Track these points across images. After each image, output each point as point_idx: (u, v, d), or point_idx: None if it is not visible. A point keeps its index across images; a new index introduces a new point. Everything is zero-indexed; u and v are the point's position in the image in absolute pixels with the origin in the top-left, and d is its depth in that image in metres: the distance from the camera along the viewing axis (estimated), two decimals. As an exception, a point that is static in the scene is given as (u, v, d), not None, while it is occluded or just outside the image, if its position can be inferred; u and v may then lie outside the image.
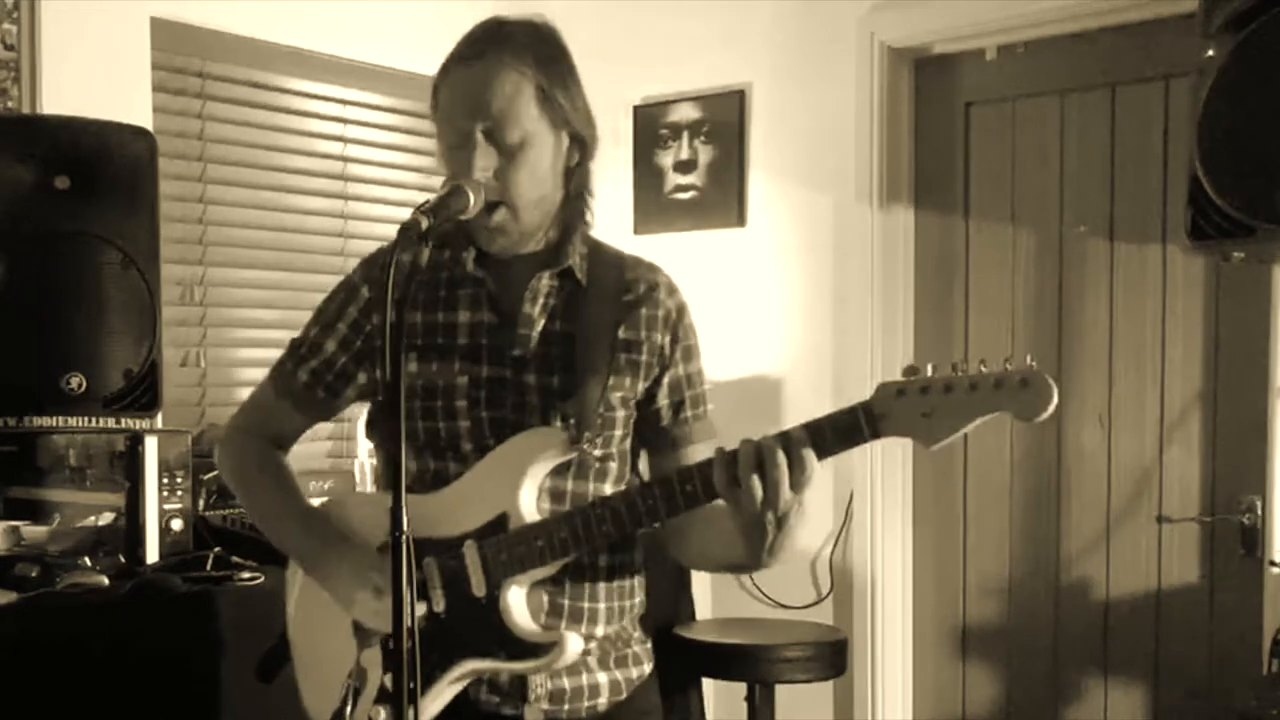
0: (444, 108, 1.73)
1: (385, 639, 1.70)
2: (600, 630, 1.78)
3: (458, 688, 1.71)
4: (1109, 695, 3.42)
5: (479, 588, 1.67)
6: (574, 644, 1.67)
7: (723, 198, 3.91)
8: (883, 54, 3.62)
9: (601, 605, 1.78)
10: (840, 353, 3.69)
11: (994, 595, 3.61)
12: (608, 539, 1.66)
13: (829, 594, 3.75)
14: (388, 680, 1.70)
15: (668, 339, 1.81)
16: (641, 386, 1.79)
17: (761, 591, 3.85)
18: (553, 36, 1.77)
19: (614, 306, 1.78)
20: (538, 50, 1.71)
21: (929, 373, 1.49)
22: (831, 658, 3.31)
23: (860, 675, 3.66)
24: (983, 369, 1.47)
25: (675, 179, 4.01)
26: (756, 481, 1.50)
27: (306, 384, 1.87)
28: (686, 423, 1.83)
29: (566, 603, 1.74)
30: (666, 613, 3.53)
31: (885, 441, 3.88)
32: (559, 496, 1.74)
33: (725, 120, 3.91)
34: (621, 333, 1.77)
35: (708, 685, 3.66)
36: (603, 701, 1.78)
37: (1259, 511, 3.10)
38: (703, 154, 3.96)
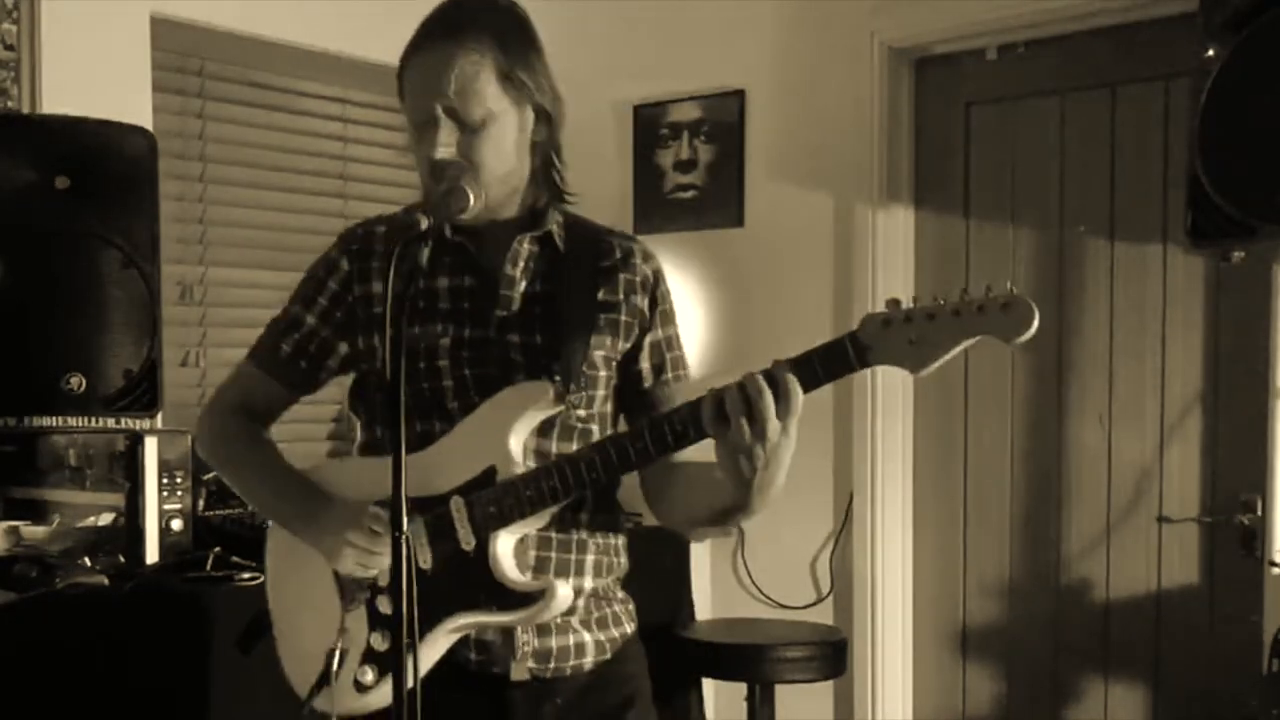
0: (408, 91, 1.75)
1: (370, 598, 1.72)
2: (588, 583, 1.80)
3: (446, 645, 1.72)
4: (1109, 695, 3.42)
5: (466, 541, 1.68)
6: (563, 591, 1.68)
7: (723, 198, 3.91)
8: (883, 54, 3.62)
9: (589, 557, 1.80)
10: (840, 353, 3.68)
11: (994, 595, 3.61)
12: (596, 485, 1.68)
13: (829, 594, 3.75)
14: (374, 640, 1.71)
15: (646, 302, 1.84)
16: (622, 347, 1.82)
17: (761, 591, 3.85)
18: (512, 13, 1.78)
19: (592, 271, 1.81)
20: (496, 28, 1.72)
21: (911, 303, 1.53)
22: (831, 658, 3.31)
23: (860, 675, 3.66)
24: (965, 296, 1.50)
25: (675, 179, 4.01)
26: (744, 417, 1.52)
27: (288, 356, 1.89)
28: (667, 384, 1.85)
29: (554, 556, 1.76)
30: (666, 613, 3.53)
31: (885, 442, 3.90)
32: (544, 458, 1.74)
33: (725, 120, 3.91)
34: (601, 295, 1.80)
35: (708, 685, 3.66)
36: (588, 661, 1.80)
37: (1259, 511, 3.10)
38: (703, 154, 3.96)
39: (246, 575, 2.46)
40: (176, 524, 2.56)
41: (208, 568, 2.49)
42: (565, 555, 1.77)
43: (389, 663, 1.68)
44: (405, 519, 1.44)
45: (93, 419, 2.58)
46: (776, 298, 3.82)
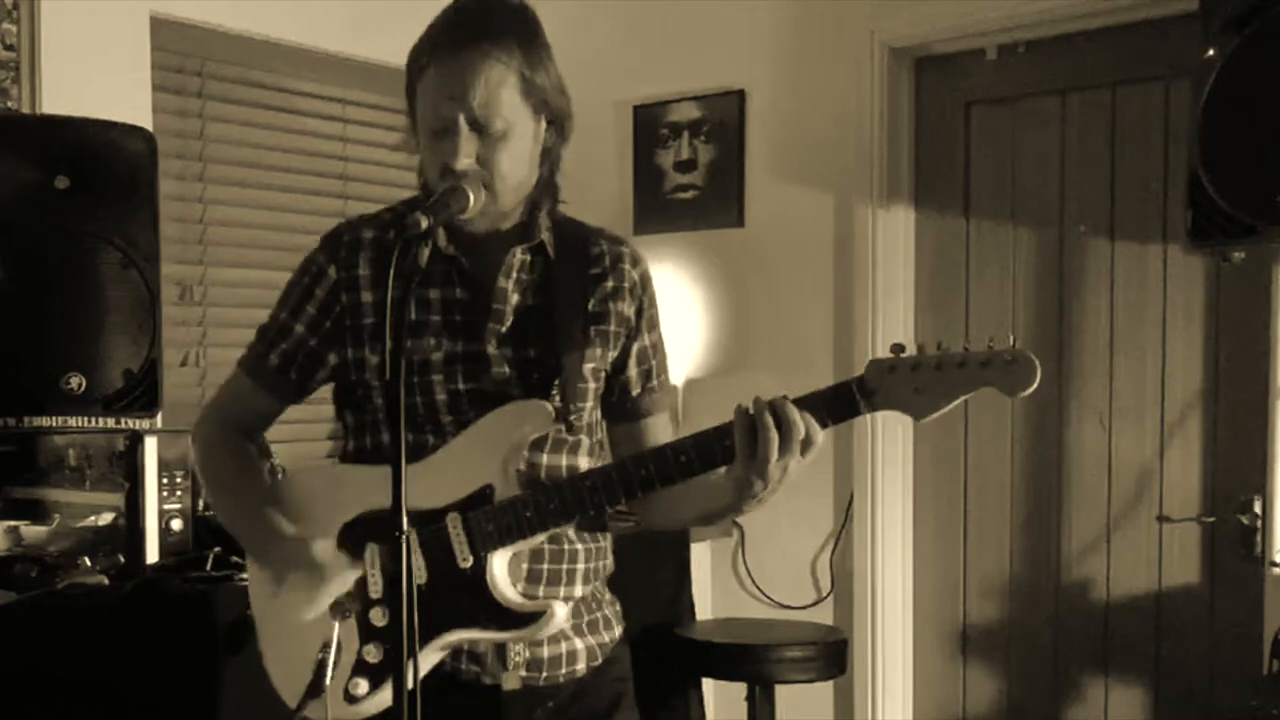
0: (425, 94, 1.71)
1: (363, 610, 1.71)
2: (578, 591, 1.80)
3: (437, 658, 1.72)
4: (1109, 695, 3.42)
5: (464, 559, 1.68)
6: (561, 612, 1.69)
7: (723, 198, 3.91)
8: (883, 54, 3.62)
9: (580, 566, 1.81)
10: (840, 353, 3.69)
11: (994, 595, 3.61)
12: (598, 509, 1.69)
13: (829, 594, 3.75)
14: (366, 652, 1.70)
15: (634, 309, 1.83)
16: (610, 356, 1.82)
17: (761, 591, 3.85)
18: (532, 16, 1.76)
19: (582, 279, 1.81)
20: (520, 33, 1.70)
21: (914, 351, 1.59)
22: (831, 658, 3.31)
23: (860, 675, 3.66)
24: (967, 348, 1.57)
25: (675, 179, 4.01)
26: (776, 439, 1.56)
27: (278, 367, 1.85)
28: (653, 391, 1.87)
29: (546, 567, 1.76)
30: (666, 613, 3.53)
31: (885, 442, 3.90)
32: (534, 469, 1.75)
33: (725, 120, 3.91)
34: (591, 305, 1.80)
35: (708, 685, 3.66)
36: (580, 668, 1.81)
37: (1259, 511, 3.10)
38: (703, 154, 3.96)
39: (246, 575, 2.45)
40: (176, 524, 2.56)
41: (208, 568, 2.49)
42: (557, 566, 1.77)
43: (382, 674, 1.68)
44: (405, 521, 1.43)
45: (92, 419, 2.58)
46: (776, 298, 3.82)
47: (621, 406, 1.85)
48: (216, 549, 2.55)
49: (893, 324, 3.63)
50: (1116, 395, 3.39)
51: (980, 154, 3.62)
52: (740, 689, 3.37)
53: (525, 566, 1.74)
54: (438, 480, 1.70)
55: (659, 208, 4.01)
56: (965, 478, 3.65)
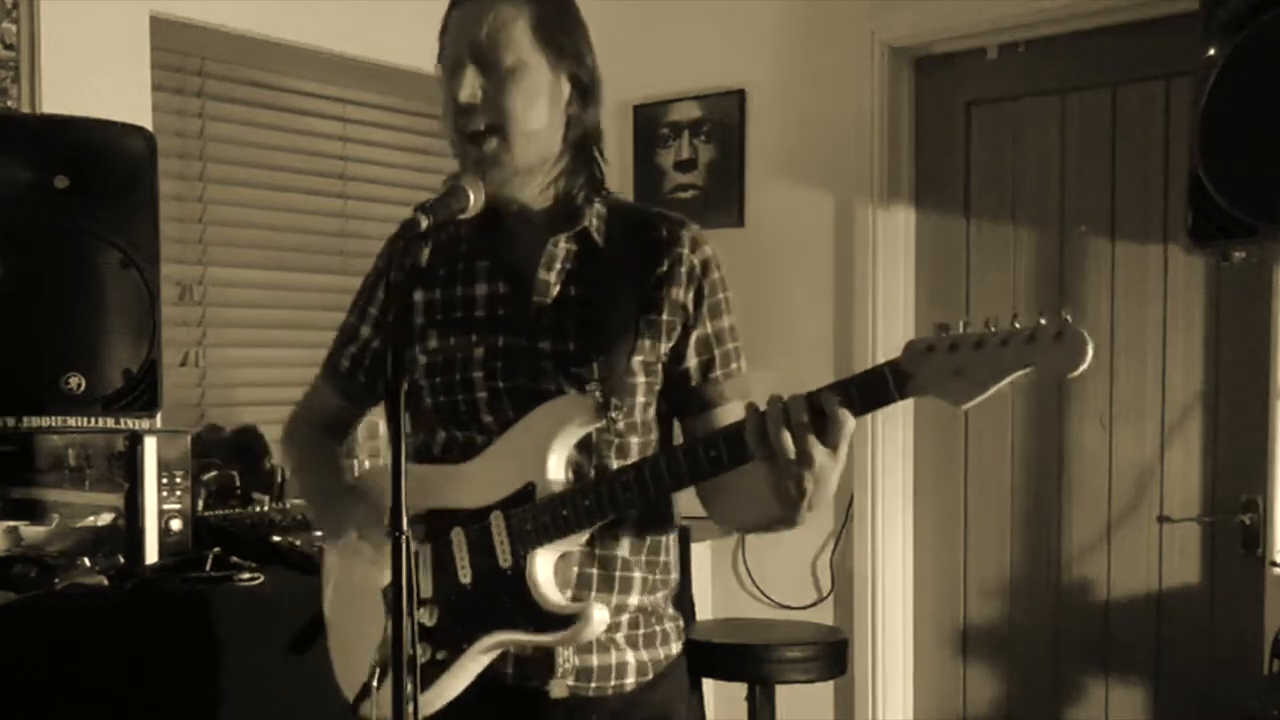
0: (443, 43, 1.73)
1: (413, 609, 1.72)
2: (634, 600, 1.75)
3: (485, 661, 1.69)
4: (1109, 695, 3.42)
5: (504, 558, 1.65)
6: (599, 614, 1.62)
7: (723, 197, 3.91)
8: (883, 54, 3.62)
9: (636, 575, 1.75)
10: (841, 353, 3.69)
11: (994, 595, 3.61)
12: (631, 506, 1.62)
13: (829, 594, 3.75)
14: (417, 652, 1.70)
15: (691, 295, 1.76)
16: (665, 348, 1.74)
17: (761, 591, 3.85)
18: None
19: (634, 266, 1.74)
20: None
21: (960, 329, 1.42)
22: (831, 658, 3.30)
23: (860, 675, 3.66)
24: (1016, 324, 1.38)
25: (675, 178, 4.01)
26: (788, 437, 1.44)
27: (348, 370, 1.91)
28: (717, 382, 1.76)
29: (596, 572, 1.72)
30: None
31: (885, 442, 3.90)
32: (581, 470, 1.71)
33: (725, 120, 3.91)
34: (643, 293, 1.73)
35: (708, 685, 3.65)
36: (630, 682, 1.75)
37: (1259, 511, 3.10)
38: (703, 154, 3.96)
39: (246, 575, 2.46)
40: (176, 524, 2.56)
41: (207, 568, 2.49)
42: (608, 572, 1.73)
43: (430, 674, 1.66)
44: (405, 520, 1.43)
45: (92, 419, 2.58)
46: (776, 298, 3.82)
47: (685, 399, 1.76)
48: (216, 549, 2.55)
49: (893, 324, 3.63)
50: (1117, 395, 3.39)
51: (980, 154, 3.62)
52: (740, 689, 3.36)
53: (575, 570, 1.70)
54: (484, 479, 1.69)
55: (659, 207, 4.01)
56: (965, 478, 3.65)
